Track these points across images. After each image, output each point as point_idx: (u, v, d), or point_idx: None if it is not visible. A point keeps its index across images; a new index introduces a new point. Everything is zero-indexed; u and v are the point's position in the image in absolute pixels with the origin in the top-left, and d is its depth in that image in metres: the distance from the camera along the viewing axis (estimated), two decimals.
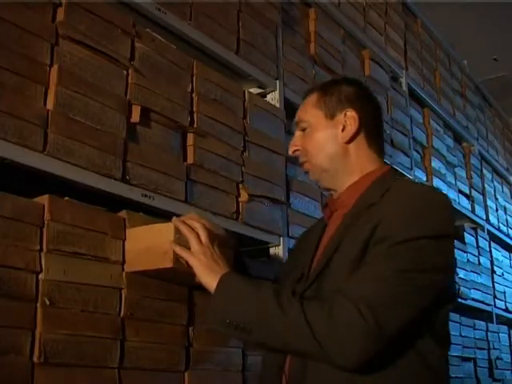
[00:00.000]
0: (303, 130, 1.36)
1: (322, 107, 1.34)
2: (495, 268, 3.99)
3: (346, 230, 1.23)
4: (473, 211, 3.88)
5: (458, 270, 3.33)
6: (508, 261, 4.31)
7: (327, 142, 1.33)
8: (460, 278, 3.36)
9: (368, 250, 1.15)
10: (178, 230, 1.33)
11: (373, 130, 1.35)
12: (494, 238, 4.16)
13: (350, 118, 1.31)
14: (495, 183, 4.43)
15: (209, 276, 1.22)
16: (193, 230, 1.30)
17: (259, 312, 1.12)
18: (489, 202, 4.20)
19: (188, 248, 1.28)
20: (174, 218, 1.35)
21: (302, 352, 1.12)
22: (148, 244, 1.38)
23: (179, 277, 1.47)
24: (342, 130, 1.32)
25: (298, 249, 1.46)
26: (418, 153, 3.33)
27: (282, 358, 1.22)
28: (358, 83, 1.41)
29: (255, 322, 1.13)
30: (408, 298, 1.10)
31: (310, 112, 1.35)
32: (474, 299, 3.52)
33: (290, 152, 1.39)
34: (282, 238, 2.06)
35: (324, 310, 1.09)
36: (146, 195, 1.55)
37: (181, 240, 1.32)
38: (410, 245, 1.12)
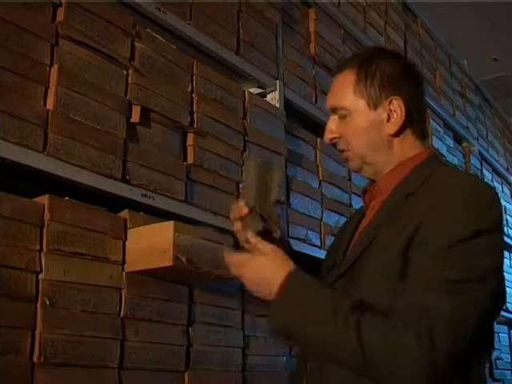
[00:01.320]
0: (341, 116, 1.23)
1: (364, 95, 1.20)
2: None
3: (381, 222, 1.15)
4: None
5: None
6: (508, 261, 4.31)
7: (371, 133, 1.20)
8: None
9: (411, 251, 1.06)
10: (177, 229, 1.33)
11: (418, 114, 1.23)
12: None
13: (395, 108, 1.19)
14: (495, 183, 4.43)
15: (271, 279, 1.11)
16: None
17: (314, 326, 1.06)
18: None
19: (187, 251, 1.27)
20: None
21: (352, 369, 1.05)
22: (148, 243, 1.39)
23: (179, 276, 1.47)
24: (388, 120, 1.19)
25: (338, 236, 1.38)
26: None
27: (304, 364, 1.18)
28: (399, 57, 1.26)
29: (309, 335, 1.07)
30: (469, 314, 1.01)
31: (350, 99, 1.21)
32: None
33: (327, 139, 1.26)
34: None
35: (380, 329, 1.01)
36: (146, 195, 1.55)
37: (180, 238, 1.32)
38: (462, 246, 1.03)
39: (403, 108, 1.19)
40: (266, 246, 1.14)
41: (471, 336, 1.01)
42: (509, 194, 4.74)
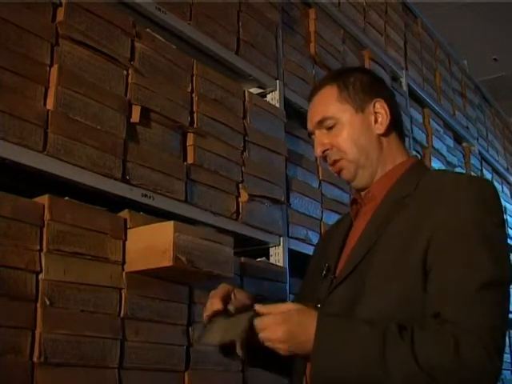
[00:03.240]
0: (328, 127, 1.26)
1: (349, 101, 1.25)
2: None
3: (381, 223, 1.15)
4: None
5: None
6: None
7: (361, 136, 1.25)
8: None
9: (430, 260, 1.07)
10: (177, 229, 1.33)
11: (398, 118, 1.30)
12: None
13: (380, 109, 1.25)
14: (495, 183, 4.43)
15: (302, 338, 1.05)
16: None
17: (360, 368, 1.01)
18: None
19: (187, 251, 1.27)
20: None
21: None
22: (148, 243, 1.39)
23: (179, 276, 1.47)
24: (375, 122, 1.25)
25: (323, 245, 1.38)
26: (418, 153, 3.32)
27: (304, 363, 1.16)
28: (368, 70, 1.36)
29: (359, 377, 1.02)
30: (502, 315, 1.06)
31: (336, 108, 1.26)
32: None
33: (318, 153, 1.28)
34: (281, 238, 2.06)
35: (441, 347, 1.00)
36: (146, 195, 1.55)
37: (180, 238, 1.32)
38: (483, 246, 1.05)
39: (387, 109, 1.26)
40: (281, 306, 1.09)
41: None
42: (509, 194, 4.74)
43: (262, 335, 1.05)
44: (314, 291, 1.25)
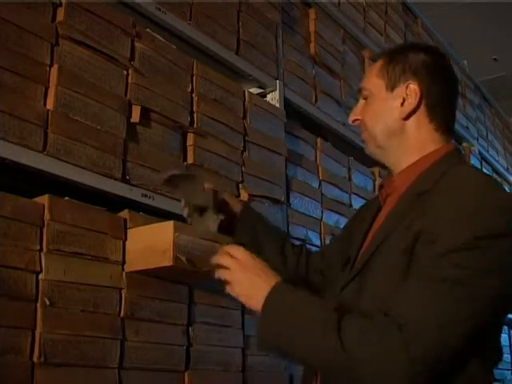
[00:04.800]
0: (365, 98, 1.27)
1: (385, 76, 1.23)
2: None
3: (394, 220, 1.13)
4: None
5: None
6: None
7: (384, 115, 1.22)
8: None
9: (415, 253, 1.05)
10: (177, 229, 1.33)
11: (438, 103, 1.22)
12: None
13: (410, 92, 1.20)
14: None
15: (252, 298, 1.11)
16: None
17: (302, 340, 1.05)
18: None
19: (187, 251, 1.27)
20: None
21: (340, 375, 1.04)
22: (148, 243, 1.39)
23: (179, 276, 1.47)
24: (402, 104, 1.21)
25: (352, 226, 1.37)
26: None
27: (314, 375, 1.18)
28: (430, 50, 1.26)
29: (298, 350, 1.06)
30: (463, 318, 0.98)
31: (372, 80, 1.25)
32: None
33: (350, 121, 1.30)
34: None
35: (365, 335, 1.00)
36: (146, 195, 1.55)
37: (180, 238, 1.32)
38: (464, 251, 0.99)
39: (418, 93, 1.20)
40: (239, 253, 1.15)
41: (468, 336, 0.99)
42: None
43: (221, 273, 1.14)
44: (334, 281, 1.26)
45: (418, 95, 1.20)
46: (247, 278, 1.12)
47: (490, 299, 1.01)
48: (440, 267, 1.00)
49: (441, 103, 1.22)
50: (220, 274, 1.16)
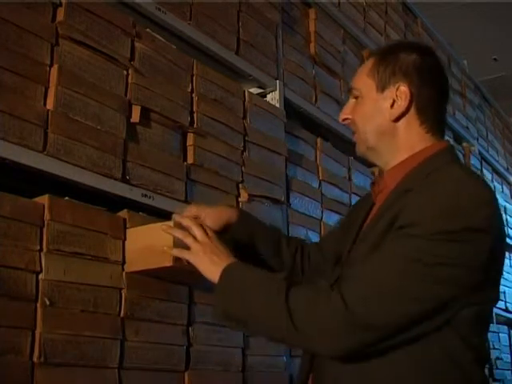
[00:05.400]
0: (356, 97, 1.26)
1: (375, 77, 1.22)
2: None
3: (379, 217, 1.15)
4: None
5: None
6: (508, 261, 4.31)
7: (374, 117, 1.22)
8: None
9: (386, 236, 1.09)
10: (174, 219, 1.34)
11: (428, 105, 1.21)
12: None
13: (401, 94, 1.19)
14: (495, 183, 4.43)
15: (211, 272, 1.22)
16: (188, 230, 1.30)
17: (252, 305, 1.13)
18: None
19: (186, 247, 1.29)
20: (174, 216, 1.36)
21: (287, 342, 1.16)
22: (147, 243, 1.39)
23: (179, 276, 1.47)
24: (391, 106, 1.20)
25: (347, 223, 1.39)
26: None
27: (309, 363, 1.21)
28: (422, 51, 1.24)
29: (249, 315, 1.14)
30: (410, 292, 1.03)
31: (363, 80, 1.25)
32: None
33: (340, 119, 1.30)
34: None
35: (309, 300, 1.08)
36: (146, 195, 1.55)
37: (179, 239, 1.32)
38: (431, 240, 1.03)
39: (408, 95, 1.19)
40: (199, 234, 1.27)
41: (416, 315, 1.03)
42: (509, 194, 4.74)
43: (183, 255, 1.28)
44: (327, 276, 1.30)
45: (408, 97, 1.19)
46: (208, 257, 1.24)
47: (445, 288, 1.04)
48: (403, 246, 1.05)
49: (431, 105, 1.22)
50: (184, 254, 1.28)
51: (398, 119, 1.21)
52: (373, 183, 1.30)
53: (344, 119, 1.29)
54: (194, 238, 1.28)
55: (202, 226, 1.31)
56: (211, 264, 1.23)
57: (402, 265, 1.04)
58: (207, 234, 1.29)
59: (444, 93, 1.26)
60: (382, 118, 1.22)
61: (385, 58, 1.23)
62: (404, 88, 1.20)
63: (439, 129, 1.24)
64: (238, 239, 1.43)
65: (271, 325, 1.11)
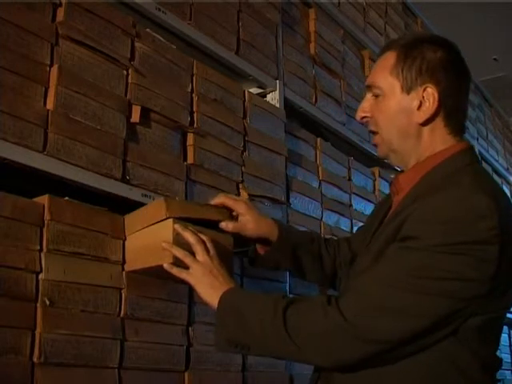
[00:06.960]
0: (375, 95, 1.21)
1: (400, 77, 1.17)
2: None
3: (388, 223, 1.14)
4: None
5: None
6: None
7: (399, 118, 1.17)
8: None
9: (389, 246, 1.08)
10: (176, 230, 1.33)
11: (454, 106, 1.19)
12: None
13: (428, 96, 1.15)
14: None
15: (209, 295, 1.23)
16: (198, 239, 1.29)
17: (252, 331, 1.13)
18: None
19: (186, 249, 1.28)
20: (177, 227, 1.31)
21: (293, 360, 1.18)
22: (147, 241, 1.39)
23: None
24: (418, 108, 1.16)
25: (369, 222, 1.38)
26: None
27: (317, 372, 1.22)
28: (446, 46, 1.19)
29: (251, 340, 1.14)
30: (411, 307, 1.02)
31: (385, 78, 1.19)
32: None
33: (358, 117, 1.24)
34: None
35: (306, 317, 1.08)
36: (146, 195, 1.55)
37: (179, 238, 1.32)
38: (429, 250, 1.01)
39: (436, 98, 1.15)
40: (200, 255, 1.26)
41: (417, 328, 1.02)
42: (509, 194, 4.74)
43: (182, 275, 1.26)
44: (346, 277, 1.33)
45: (437, 100, 1.16)
46: (206, 279, 1.23)
47: (447, 302, 1.02)
48: (404, 259, 1.03)
49: (457, 106, 1.20)
50: (182, 274, 1.26)
51: (426, 123, 1.17)
52: (391, 183, 1.27)
53: (363, 117, 1.23)
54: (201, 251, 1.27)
55: (204, 244, 1.28)
56: (210, 288, 1.22)
57: (404, 278, 1.02)
58: (209, 253, 1.26)
59: (468, 90, 1.23)
60: (408, 120, 1.17)
61: (408, 54, 1.17)
62: (432, 90, 1.16)
63: (461, 129, 1.22)
64: (278, 257, 1.43)
65: (274, 346, 1.11)
